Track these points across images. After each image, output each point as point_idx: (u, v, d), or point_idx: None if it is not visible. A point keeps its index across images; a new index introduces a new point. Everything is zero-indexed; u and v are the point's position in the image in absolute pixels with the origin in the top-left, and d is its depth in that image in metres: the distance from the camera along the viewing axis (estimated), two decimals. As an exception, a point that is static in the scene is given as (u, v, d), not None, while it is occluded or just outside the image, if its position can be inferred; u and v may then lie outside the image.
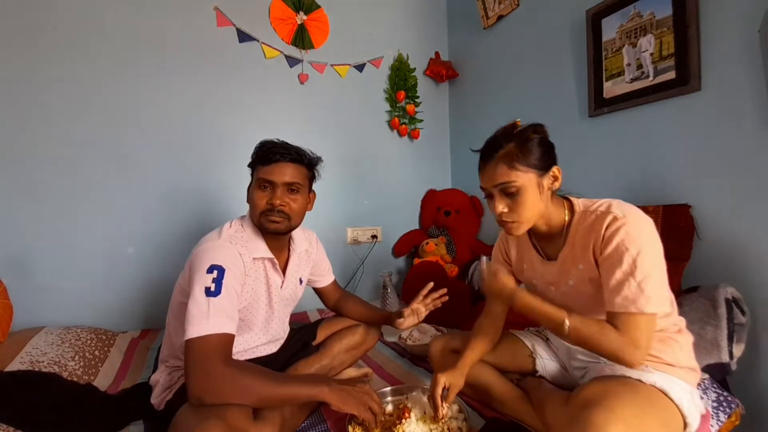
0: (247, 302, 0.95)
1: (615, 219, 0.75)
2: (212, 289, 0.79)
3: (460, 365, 0.93)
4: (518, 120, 0.84)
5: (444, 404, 0.86)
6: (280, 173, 0.93)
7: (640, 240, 0.73)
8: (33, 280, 1.41)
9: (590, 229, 0.80)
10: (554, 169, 0.83)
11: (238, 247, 0.90)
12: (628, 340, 0.71)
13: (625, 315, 0.72)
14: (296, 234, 1.08)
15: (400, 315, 1.14)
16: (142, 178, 1.59)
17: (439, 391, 0.86)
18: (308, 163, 1.00)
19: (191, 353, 0.74)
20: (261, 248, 0.96)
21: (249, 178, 1.00)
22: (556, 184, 0.84)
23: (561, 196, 0.89)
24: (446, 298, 1.14)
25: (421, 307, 1.13)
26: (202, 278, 0.81)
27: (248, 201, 0.99)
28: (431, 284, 1.14)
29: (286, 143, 0.98)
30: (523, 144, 0.79)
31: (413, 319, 1.13)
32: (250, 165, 1.00)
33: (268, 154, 0.94)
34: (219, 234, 0.92)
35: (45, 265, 1.43)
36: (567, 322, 0.74)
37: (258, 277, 0.97)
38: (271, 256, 0.98)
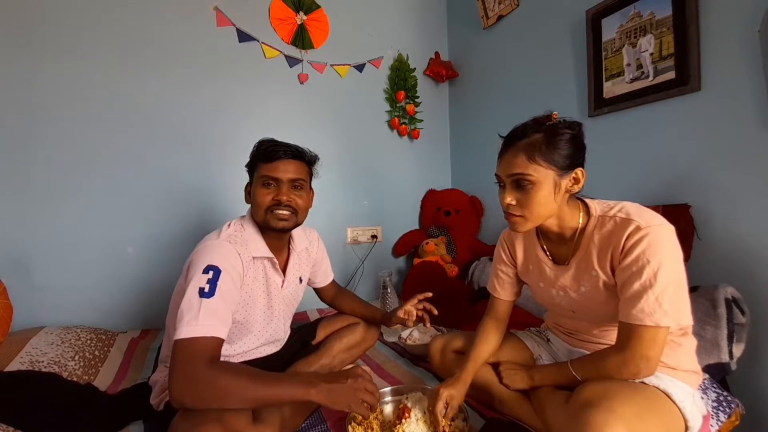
0: (244, 302, 0.94)
1: (637, 229, 0.72)
2: (206, 290, 0.78)
3: (463, 377, 0.90)
4: (555, 113, 0.78)
5: (444, 419, 0.83)
6: (285, 170, 0.93)
7: (662, 252, 0.70)
8: (33, 280, 1.41)
9: (609, 237, 0.77)
10: (578, 170, 0.78)
11: (236, 246, 0.90)
12: (636, 353, 0.71)
13: (639, 327, 0.71)
14: (296, 233, 1.08)
15: (390, 318, 1.15)
16: (142, 178, 1.59)
17: (441, 407, 0.83)
18: (308, 160, 1.01)
19: (176, 355, 0.72)
20: (261, 247, 0.96)
21: (248, 178, 1.00)
22: (576, 188, 0.79)
23: (576, 198, 0.85)
24: (435, 312, 1.13)
25: (413, 309, 1.13)
26: (198, 278, 0.80)
27: (249, 200, 0.99)
28: (430, 294, 1.15)
29: (284, 141, 0.98)
30: (551, 138, 0.74)
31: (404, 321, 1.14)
32: (249, 164, 1.00)
33: (270, 151, 0.94)
34: (218, 234, 0.92)
35: (45, 265, 1.43)
36: (571, 368, 0.82)
37: (257, 276, 0.97)
38: (270, 255, 0.97)
